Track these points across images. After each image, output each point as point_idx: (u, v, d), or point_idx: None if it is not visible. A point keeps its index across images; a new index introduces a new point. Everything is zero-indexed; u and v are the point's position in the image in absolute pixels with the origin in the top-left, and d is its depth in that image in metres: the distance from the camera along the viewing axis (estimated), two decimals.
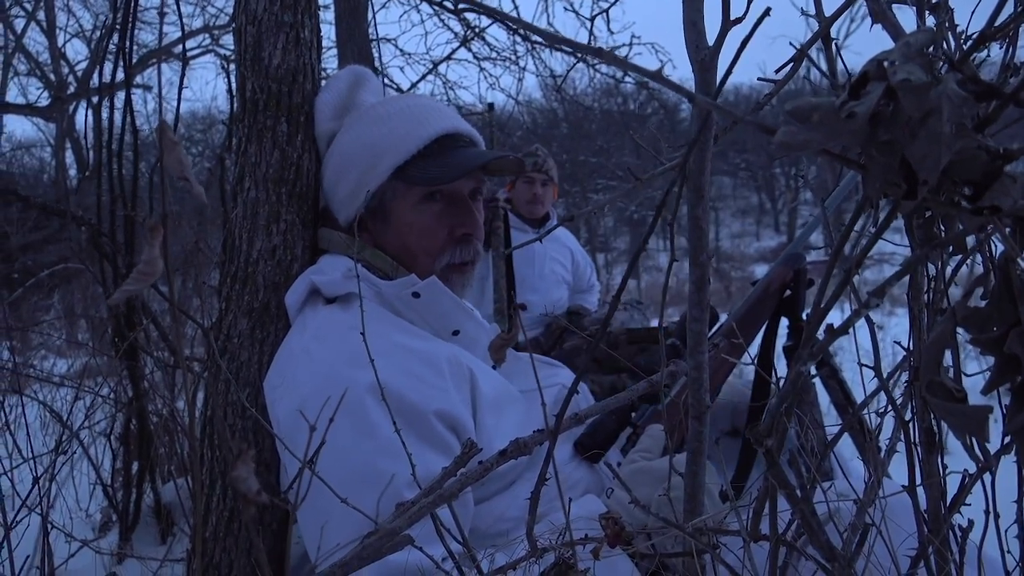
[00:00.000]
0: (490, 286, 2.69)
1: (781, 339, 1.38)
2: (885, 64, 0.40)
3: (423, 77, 5.16)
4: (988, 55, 0.59)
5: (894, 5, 0.55)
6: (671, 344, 1.32)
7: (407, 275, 1.14)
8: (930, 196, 0.42)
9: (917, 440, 0.68)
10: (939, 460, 0.68)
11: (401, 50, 5.35)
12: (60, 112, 10.18)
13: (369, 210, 1.16)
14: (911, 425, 0.69)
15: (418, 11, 5.13)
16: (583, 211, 0.72)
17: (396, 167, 1.14)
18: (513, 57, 5.34)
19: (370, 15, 3.19)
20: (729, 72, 0.55)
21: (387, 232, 1.18)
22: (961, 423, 0.46)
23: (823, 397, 1.52)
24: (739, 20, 0.54)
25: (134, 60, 1.99)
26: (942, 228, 0.57)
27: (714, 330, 1.34)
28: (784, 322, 1.38)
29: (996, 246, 0.59)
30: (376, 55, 3.63)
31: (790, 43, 0.59)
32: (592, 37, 4.67)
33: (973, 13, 0.63)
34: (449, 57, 5.22)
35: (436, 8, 4.73)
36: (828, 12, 0.60)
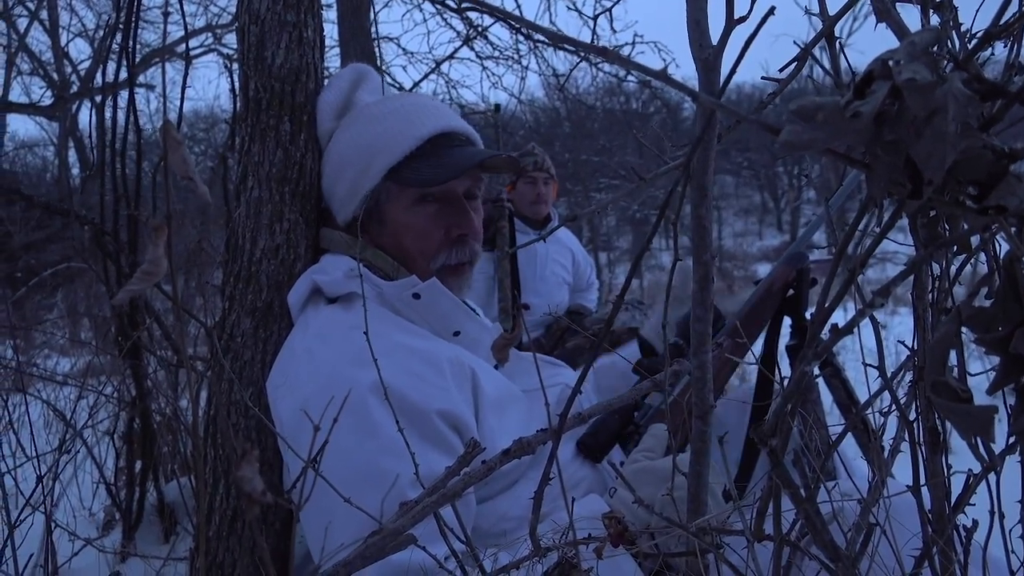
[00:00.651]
0: (497, 286, 2.69)
1: (783, 338, 1.38)
2: (890, 63, 0.40)
3: (425, 76, 5.17)
4: (992, 53, 0.59)
5: (898, 4, 0.55)
6: (674, 343, 1.32)
7: (408, 275, 1.14)
8: (935, 196, 0.41)
9: (921, 440, 0.68)
10: (943, 460, 0.68)
11: (404, 49, 5.36)
12: (63, 111, 10.19)
13: (366, 211, 1.16)
14: (915, 425, 0.69)
15: (420, 10, 5.14)
16: (585, 211, 0.72)
17: (389, 168, 1.13)
18: (516, 56, 5.34)
19: (372, 14, 3.19)
20: (733, 72, 0.55)
21: (384, 233, 1.18)
22: (966, 423, 0.46)
23: (826, 396, 1.52)
24: (743, 19, 0.54)
25: (137, 59, 1.98)
26: (946, 227, 0.57)
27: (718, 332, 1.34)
28: (787, 321, 1.37)
29: (1001, 245, 0.59)
30: (378, 54, 3.63)
31: (794, 42, 0.59)
32: (595, 36, 4.66)
33: (977, 11, 0.63)
34: (451, 56, 5.22)
35: (438, 7, 4.73)
36: (831, 11, 0.60)
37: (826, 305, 0.50)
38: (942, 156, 0.39)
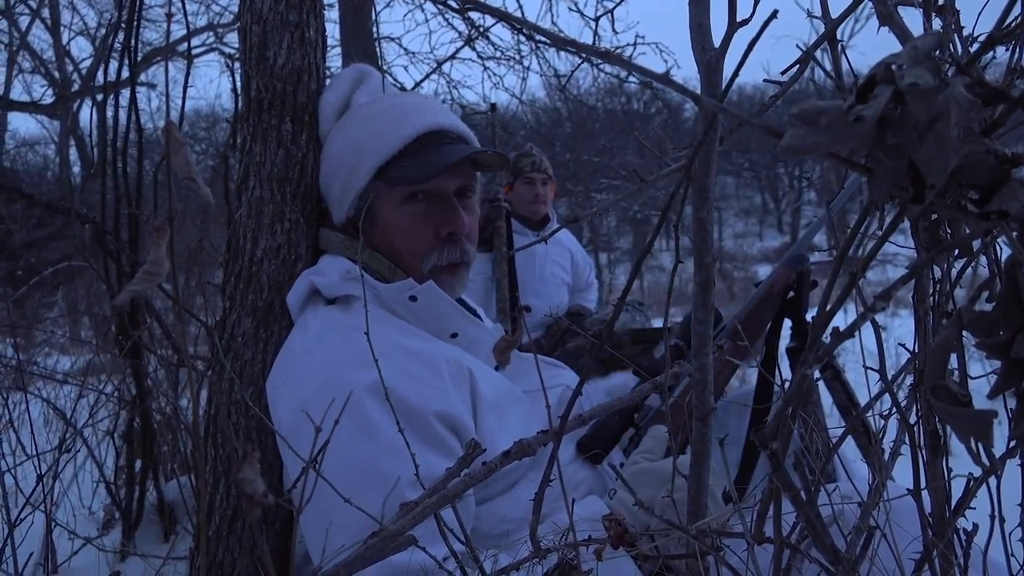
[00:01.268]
0: (495, 287, 2.69)
1: (784, 340, 1.38)
2: (893, 68, 0.40)
3: (427, 76, 5.17)
4: (994, 57, 0.59)
5: (900, 7, 0.55)
6: (675, 345, 1.32)
7: (404, 277, 1.13)
8: (937, 200, 0.41)
9: (921, 443, 0.68)
10: (944, 463, 0.68)
11: (405, 49, 5.36)
12: (64, 110, 10.20)
13: (360, 212, 1.16)
14: (916, 428, 0.69)
15: (422, 10, 5.13)
16: (586, 213, 0.72)
17: (378, 167, 1.13)
18: (517, 56, 5.34)
19: (374, 14, 3.19)
20: (736, 75, 0.55)
21: (376, 234, 1.17)
22: (966, 427, 0.46)
23: (826, 399, 1.52)
24: (745, 22, 0.54)
25: (138, 58, 1.99)
26: (948, 231, 0.57)
27: (718, 331, 1.34)
28: (787, 323, 1.37)
29: (1002, 249, 0.59)
30: (380, 54, 3.63)
31: (796, 45, 0.59)
32: (596, 37, 4.66)
33: (980, 15, 0.63)
34: (453, 56, 5.22)
35: (440, 7, 4.73)
36: (834, 13, 0.60)
37: (827, 308, 0.50)
38: (944, 161, 0.39)
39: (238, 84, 1.36)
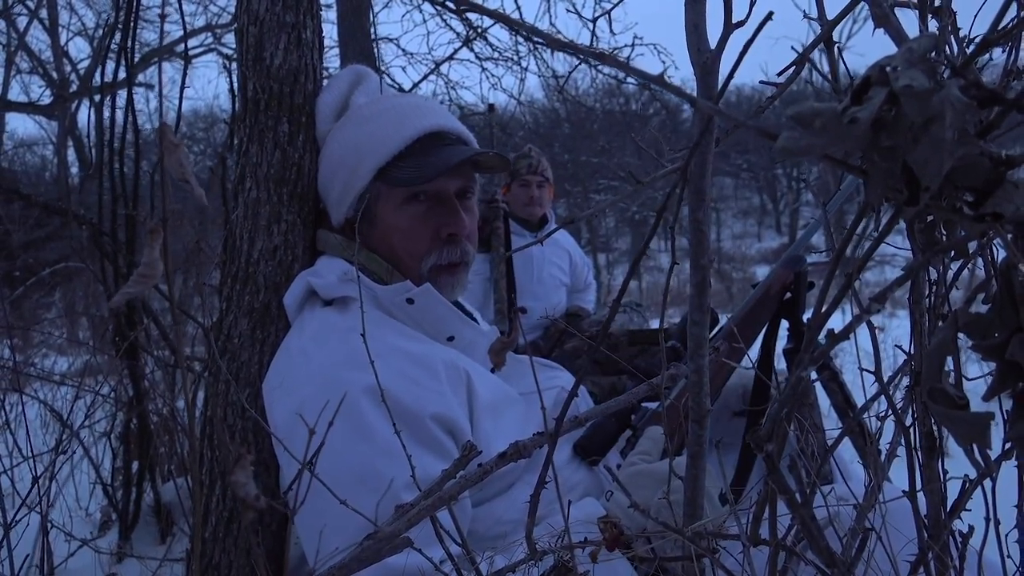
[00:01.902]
0: (493, 288, 2.69)
1: (781, 341, 1.38)
2: (887, 69, 0.40)
3: (425, 77, 5.17)
4: (991, 58, 0.59)
5: (896, 9, 0.55)
6: (671, 346, 1.32)
7: (401, 279, 1.13)
8: (932, 202, 0.41)
9: (917, 444, 0.68)
10: (939, 465, 0.68)
11: (403, 50, 5.36)
12: (62, 110, 10.19)
13: (358, 213, 1.16)
14: (912, 429, 0.69)
15: (420, 11, 5.14)
16: (584, 214, 0.72)
17: (378, 169, 1.13)
18: (515, 57, 5.34)
19: (372, 15, 3.19)
20: (731, 76, 0.55)
21: (374, 235, 1.17)
22: (962, 430, 0.46)
23: (823, 400, 1.52)
24: (741, 23, 0.54)
25: (136, 59, 1.98)
26: (943, 233, 0.57)
27: (714, 332, 1.34)
28: (784, 324, 1.37)
29: (998, 251, 0.59)
30: (377, 55, 3.63)
31: (792, 47, 0.59)
32: (594, 38, 4.66)
33: (976, 16, 0.63)
34: (451, 57, 5.22)
35: (438, 8, 4.73)
36: (830, 14, 0.60)
37: (823, 309, 0.50)
38: (939, 163, 0.38)
39: (235, 85, 1.35)
